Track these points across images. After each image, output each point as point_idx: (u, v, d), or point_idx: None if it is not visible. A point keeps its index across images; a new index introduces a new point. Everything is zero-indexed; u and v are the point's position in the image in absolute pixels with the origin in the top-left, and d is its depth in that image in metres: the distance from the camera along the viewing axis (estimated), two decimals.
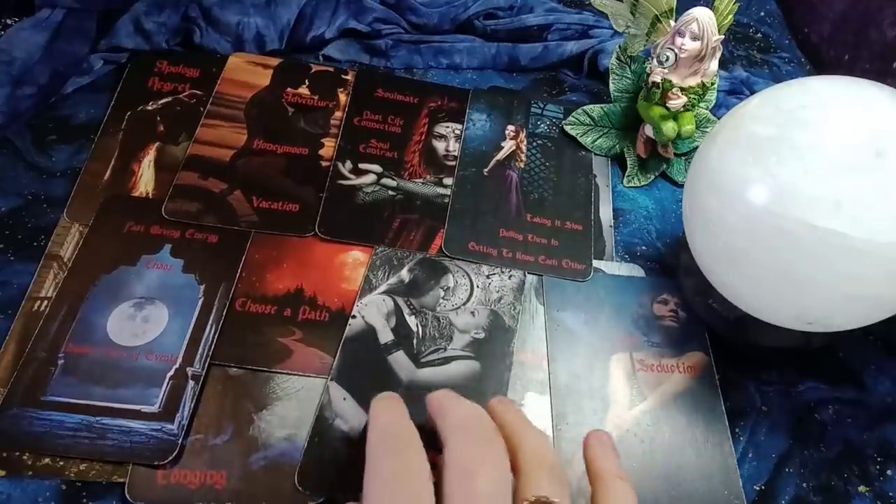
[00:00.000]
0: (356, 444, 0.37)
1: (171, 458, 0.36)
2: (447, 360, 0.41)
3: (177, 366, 0.39)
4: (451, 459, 0.29)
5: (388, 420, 0.32)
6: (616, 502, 0.31)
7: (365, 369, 0.40)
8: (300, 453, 0.37)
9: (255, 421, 0.38)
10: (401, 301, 0.43)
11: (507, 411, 0.34)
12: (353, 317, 0.42)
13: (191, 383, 0.38)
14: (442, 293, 0.44)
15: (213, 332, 0.40)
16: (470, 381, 0.40)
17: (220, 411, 0.38)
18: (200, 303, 0.41)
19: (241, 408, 0.38)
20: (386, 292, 0.43)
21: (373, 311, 0.42)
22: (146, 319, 0.40)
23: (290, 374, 0.39)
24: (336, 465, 0.37)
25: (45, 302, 0.40)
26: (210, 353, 0.39)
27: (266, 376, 0.39)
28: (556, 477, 0.30)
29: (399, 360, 0.41)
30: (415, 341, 0.42)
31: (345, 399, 0.39)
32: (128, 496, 0.34)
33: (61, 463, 0.35)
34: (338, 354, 0.40)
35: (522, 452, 0.31)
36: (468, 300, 0.44)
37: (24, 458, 0.35)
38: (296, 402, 0.39)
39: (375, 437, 0.31)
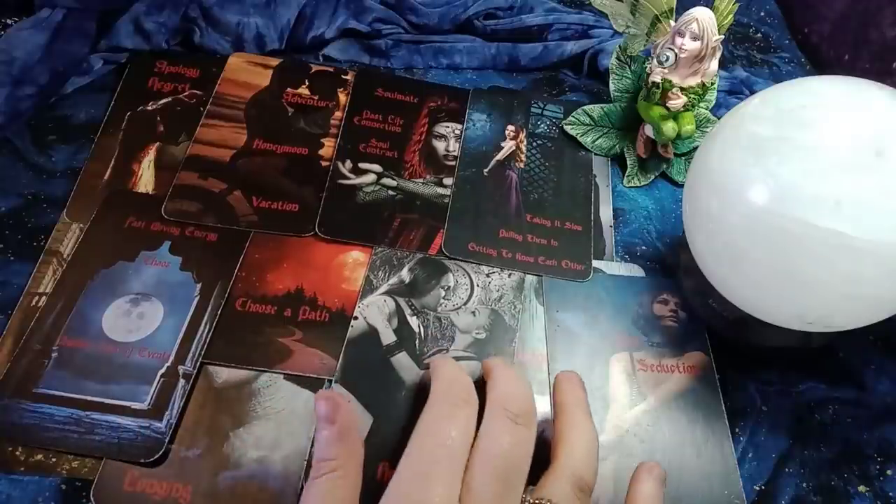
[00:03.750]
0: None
1: (156, 456, 0.35)
2: None
3: (169, 364, 0.39)
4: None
5: (455, 375, 0.34)
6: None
7: (368, 371, 0.40)
8: (270, 477, 0.36)
9: (230, 438, 0.37)
10: (402, 302, 0.43)
11: (568, 393, 0.36)
12: (355, 318, 0.42)
13: (181, 382, 0.38)
14: (443, 293, 0.44)
15: (206, 331, 0.40)
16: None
17: (198, 423, 0.37)
18: (196, 301, 0.41)
19: (219, 422, 0.37)
20: (387, 293, 0.43)
21: (374, 313, 0.42)
22: (141, 316, 0.40)
23: (279, 390, 0.39)
24: None
25: (44, 298, 0.40)
26: (203, 352, 0.39)
27: (249, 392, 0.38)
28: (575, 485, 0.31)
29: (402, 362, 0.41)
30: (417, 342, 0.41)
31: (349, 402, 0.39)
32: (92, 499, 0.34)
33: (53, 459, 0.35)
34: (340, 357, 0.40)
35: (563, 447, 0.33)
36: (469, 299, 0.44)
37: (17, 454, 0.35)
38: (275, 423, 0.38)
39: (442, 384, 0.34)
